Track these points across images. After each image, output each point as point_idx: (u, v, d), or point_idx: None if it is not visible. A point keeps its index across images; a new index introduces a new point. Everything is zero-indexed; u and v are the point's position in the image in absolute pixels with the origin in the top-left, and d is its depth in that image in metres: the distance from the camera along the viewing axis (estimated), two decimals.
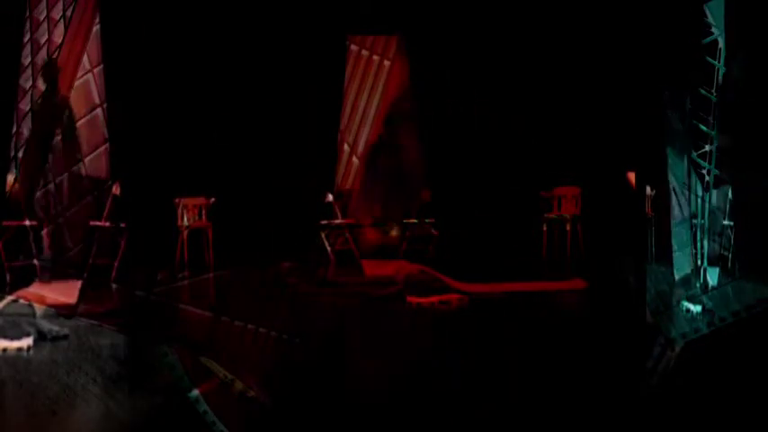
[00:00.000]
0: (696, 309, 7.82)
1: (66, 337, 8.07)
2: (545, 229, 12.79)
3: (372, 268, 10.99)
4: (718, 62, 8.48)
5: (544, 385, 6.41)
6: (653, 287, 8.29)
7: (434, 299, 9.63)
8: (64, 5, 11.22)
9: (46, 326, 8.18)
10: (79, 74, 11.00)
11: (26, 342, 7.73)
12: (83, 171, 10.88)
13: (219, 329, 7.86)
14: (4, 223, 10.96)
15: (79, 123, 10.96)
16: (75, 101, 10.96)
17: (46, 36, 11.27)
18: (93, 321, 8.65)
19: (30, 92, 11.30)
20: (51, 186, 10.90)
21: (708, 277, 8.45)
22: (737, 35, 8.40)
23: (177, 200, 12.11)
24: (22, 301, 8.70)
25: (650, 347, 7.06)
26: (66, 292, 9.81)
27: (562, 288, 10.62)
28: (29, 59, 11.36)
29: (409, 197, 12.85)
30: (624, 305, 8.45)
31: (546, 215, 12.83)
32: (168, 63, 11.93)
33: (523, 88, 12.71)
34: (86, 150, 10.89)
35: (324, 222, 12.15)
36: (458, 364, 7.04)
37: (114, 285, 10.15)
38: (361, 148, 13.02)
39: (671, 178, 8.67)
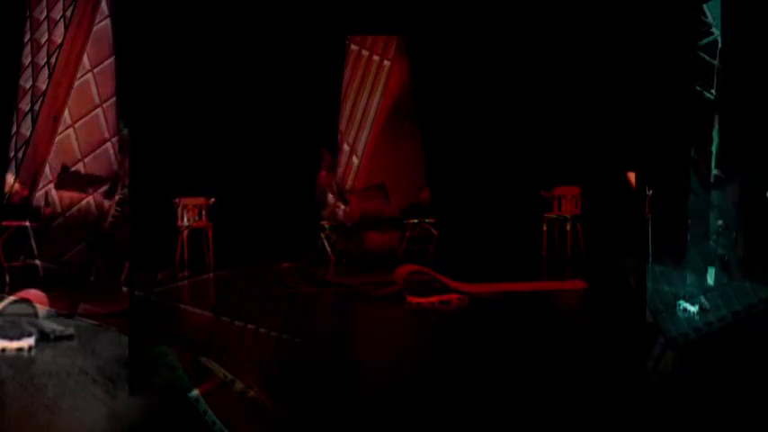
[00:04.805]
0: (694, 308, 7.82)
1: (70, 336, 8.06)
2: (545, 228, 12.79)
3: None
4: (718, 62, 8.48)
5: (544, 385, 6.42)
6: (653, 287, 8.29)
7: (434, 299, 9.62)
8: (64, 5, 11.21)
9: (48, 326, 8.16)
10: (79, 74, 11.00)
11: (26, 342, 7.72)
12: (82, 170, 10.88)
13: (219, 329, 7.86)
14: (4, 223, 10.96)
15: (79, 123, 10.96)
16: (75, 101, 10.95)
17: (46, 36, 11.27)
18: (93, 321, 8.65)
19: (30, 92, 11.30)
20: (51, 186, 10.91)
21: (707, 277, 8.44)
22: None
23: (177, 200, 12.12)
24: (22, 301, 8.69)
25: (650, 347, 7.06)
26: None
27: (562, 288, 10.62)
28: (29, 59, 11.36)
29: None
30: (624, 305, 8.44)
31: (546, 215, 12.84)
32: (168, 63, 11.93)
33: (523, 88, 12.71)
34: (86, 150, 10.88)
35: (324, 222, 12.14)
36: (457, 364, 7.05)
37: (124, 288, 10.14)
38: (361, 147, 13.01)
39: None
